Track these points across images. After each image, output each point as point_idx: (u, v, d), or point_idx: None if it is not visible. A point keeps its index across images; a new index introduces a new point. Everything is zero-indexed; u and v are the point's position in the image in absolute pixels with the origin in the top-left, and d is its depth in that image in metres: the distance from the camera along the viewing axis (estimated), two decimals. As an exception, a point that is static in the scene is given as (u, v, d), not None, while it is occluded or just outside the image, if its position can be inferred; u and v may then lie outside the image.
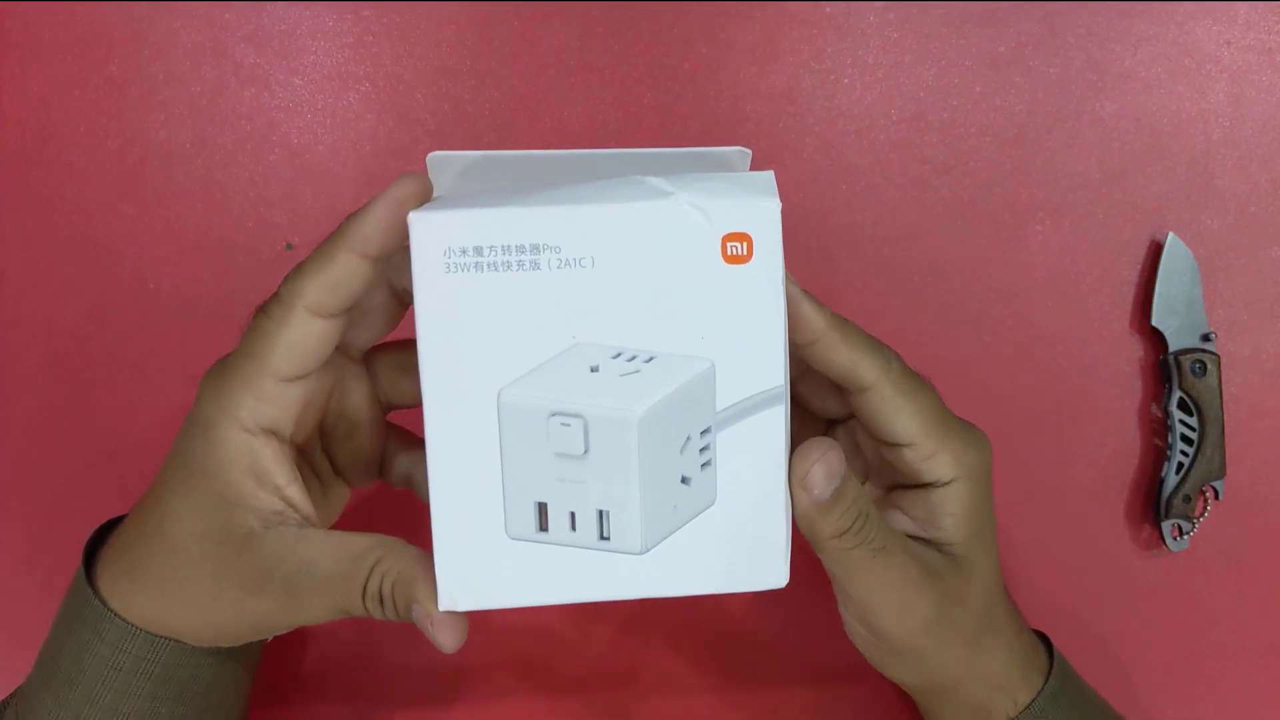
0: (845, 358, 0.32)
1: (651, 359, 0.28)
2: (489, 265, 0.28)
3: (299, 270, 0.30)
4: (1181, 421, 0.44)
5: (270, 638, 0.36)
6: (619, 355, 0.28)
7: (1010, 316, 0.45)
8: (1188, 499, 0.44)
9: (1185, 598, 0.45)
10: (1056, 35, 0.45)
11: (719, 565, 0.29)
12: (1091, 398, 0.45)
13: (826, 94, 0.45)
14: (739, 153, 0.32)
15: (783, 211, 0.28)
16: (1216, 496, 0.44)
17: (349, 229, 0.29)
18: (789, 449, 0.30)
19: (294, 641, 0.44)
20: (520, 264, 0.28)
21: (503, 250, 0.28)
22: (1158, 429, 0.45)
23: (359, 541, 0.31)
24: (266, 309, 0.31)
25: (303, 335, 0.30)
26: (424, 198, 0.29)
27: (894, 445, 0.33)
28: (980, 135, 0.45)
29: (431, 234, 0.28)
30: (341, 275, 0.29)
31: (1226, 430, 0.44)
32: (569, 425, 0.28)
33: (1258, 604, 0.45)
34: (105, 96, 0.44)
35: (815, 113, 0.45)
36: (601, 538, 0.29)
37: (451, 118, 0.45)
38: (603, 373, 0.28)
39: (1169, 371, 0.44)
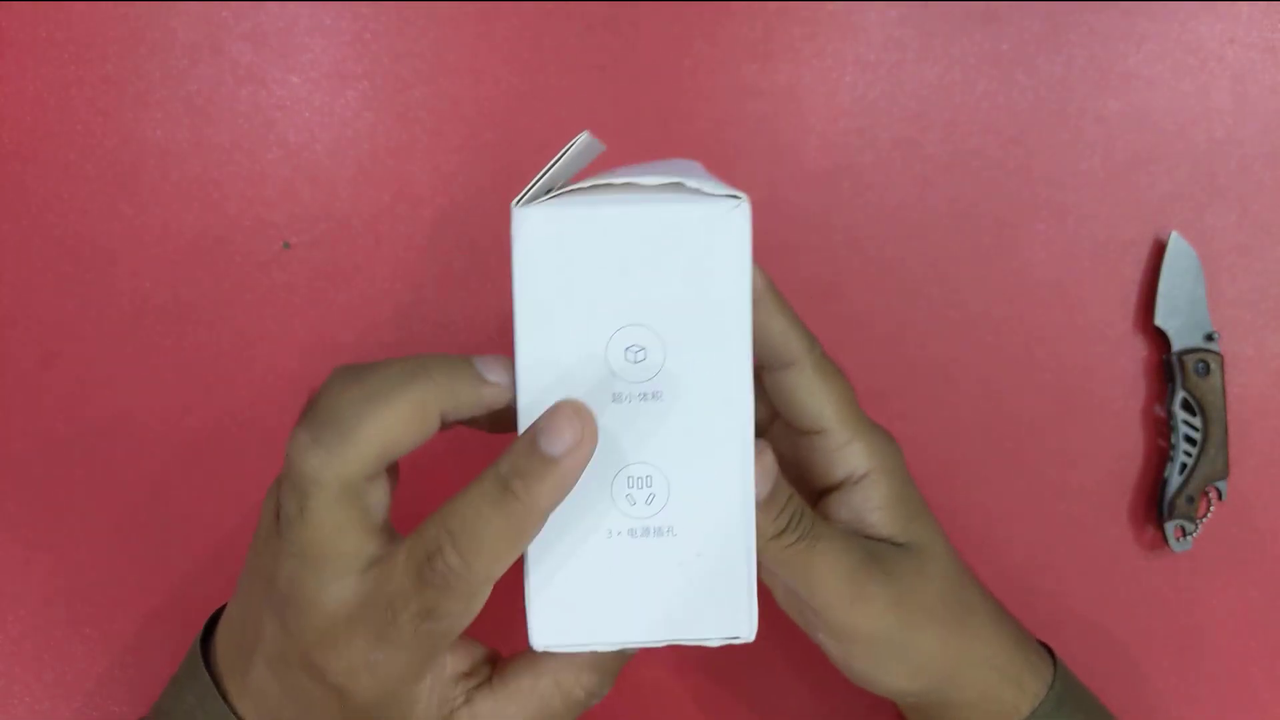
0: (781, 324, 0.31)
1: None
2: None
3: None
4: (1185, 422, 0.44)
5: None
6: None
7: (1012, 316, 0.45)
8: (1191, 499, 0.44)
9: (1188, 598, 0.45)
10: (1059, 33, 0.45)
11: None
12: (1094, 398, 0.45)
13: (828, 92, 0.45)
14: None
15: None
16: (1220, 497, 0.44)
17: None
18: (752, 462, 0.28)
19: None
20: None
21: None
22: (1161, 429, 0.45)
23: (536, 691, 0.30)
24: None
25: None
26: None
27: (808, 433, 0.32)
28: (982, 133, 0.45)
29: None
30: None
31: (1230, 430, 0.44)
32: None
33: (1261, 604, 0.45)
34: (101, 95, 0.44)
35: (817, 111, 0.45)
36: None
37: (450, 116, 0.44)
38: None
39: (1172, 371, 0.44)
